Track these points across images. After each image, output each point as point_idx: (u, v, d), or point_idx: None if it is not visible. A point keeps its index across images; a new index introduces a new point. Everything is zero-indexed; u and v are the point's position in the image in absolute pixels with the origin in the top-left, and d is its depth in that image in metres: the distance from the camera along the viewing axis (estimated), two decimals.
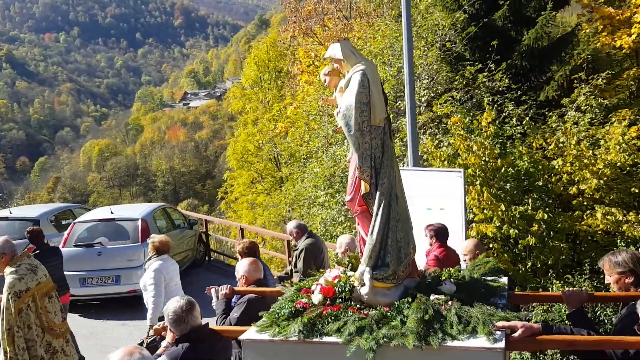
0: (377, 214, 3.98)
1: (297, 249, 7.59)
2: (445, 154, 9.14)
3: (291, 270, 7.81)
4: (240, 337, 3.81)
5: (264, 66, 25.42)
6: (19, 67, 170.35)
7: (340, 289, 4.01)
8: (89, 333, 9.91)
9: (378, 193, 3.99)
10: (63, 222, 12.71)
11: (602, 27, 12.97)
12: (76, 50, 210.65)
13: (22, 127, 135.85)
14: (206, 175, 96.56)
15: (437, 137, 9.98)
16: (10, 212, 12.14)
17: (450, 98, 10.37)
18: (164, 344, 4.09)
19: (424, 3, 13.43)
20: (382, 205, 3.96)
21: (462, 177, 7.33)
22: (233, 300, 5.29)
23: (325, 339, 3.66)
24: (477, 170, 8.74)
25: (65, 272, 9.03)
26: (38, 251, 8.21)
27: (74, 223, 11.07)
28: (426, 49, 11.15)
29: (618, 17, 12.71)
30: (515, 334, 3.54)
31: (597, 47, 12.92)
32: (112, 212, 11.34)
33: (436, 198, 7.40)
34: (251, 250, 6.33)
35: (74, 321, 10.05)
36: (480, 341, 3.48)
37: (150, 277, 6.94)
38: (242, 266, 5.31)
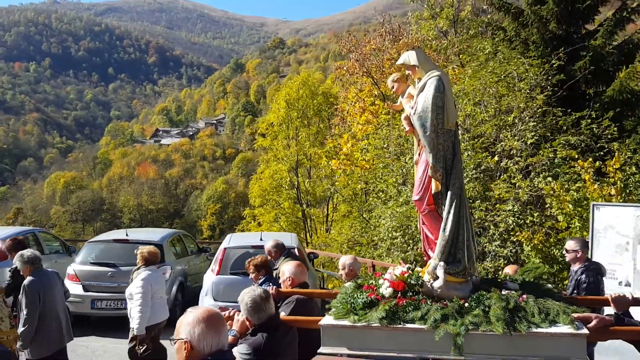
0: (449, 212, 4.16)
1: (276, 269, 7.38)
2: (572, 197, 8.57)
3: None
4: (321, 323, 4.00)
5: (294, 104, 25.15)
6: None
7: (411, 283, 4.17)
8: None
9: (450, 193, 4.19)
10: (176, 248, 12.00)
11: None
12: (46, 81, 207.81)
13: None
14: (174, 214, 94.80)
15: (544, 180, 9.40)
16: (127, 235, 11.17)
17: (563, 142, 9.86)
18: (232, 333, 4.00)
19: (485, 49, 13.15)
20: (454, 204, 4.16)
21: None
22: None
23: (408, 325, 3.85)
24: None
25: (224, 303, 8.00)
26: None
27: (225, 249, 10.05)
28: (528, 91, 10.71)
29: None
30: (591, 324, 3.71)
31: None
32: (261, 239, 10.23)
33: None
34: (265, 266, 6.52)
35: None
36: (564, 329, 3.68)
37: (137, 286, 6.81)
38: (288, 268, 5.39)
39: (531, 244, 8.88)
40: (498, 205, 10.04)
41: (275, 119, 24.86)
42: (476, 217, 10.07)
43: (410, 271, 4.30)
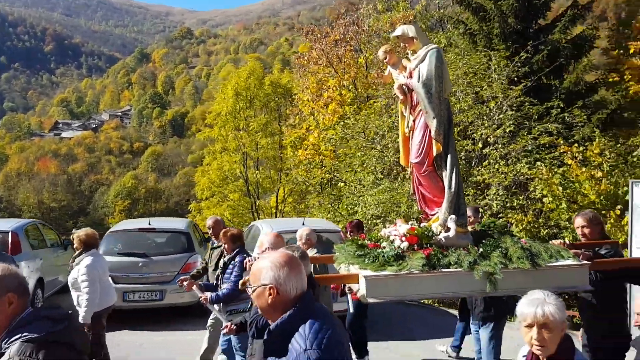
0: (452, 171, 4.63)
1: (218, 247, 7.26)
2: (558, 180, 9.10)
3: (204, 267, 7.50)
4: (364, 275, 4.34)
5: (242, 94, 24.36)
6: None
7: (427, 236, 4.60)
8: None
9: (449, 155, 4.66)
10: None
11: (630, 76, 14.00)
12: None
13: None
14: (79, 211, 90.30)
15: (527, 165, 9.85)
16: (150, 223, 10.55)
17: (542, 130, 10.36)
18: None
19: (440, 43, 13.50)
20: (455, 164, 4.66)
21: None
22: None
23: (445, 270, 4.32)
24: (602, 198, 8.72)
25: None
26: None
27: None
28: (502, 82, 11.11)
29: None
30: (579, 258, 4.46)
31: (629, 94, 13.83)
32: (303, 224, 9.44)
33: None
34: (241, 238, 6.50)
35: None
36: (570, 261, 4.39)
37: (83, 273, 6.44)
38: (267, 239, 5.40)
39: (521, 226, 9.30)
40: (475, 190, 10.40)
41: (223, 108, 24.17)
42: None
43: (418, 227, 4.72)
